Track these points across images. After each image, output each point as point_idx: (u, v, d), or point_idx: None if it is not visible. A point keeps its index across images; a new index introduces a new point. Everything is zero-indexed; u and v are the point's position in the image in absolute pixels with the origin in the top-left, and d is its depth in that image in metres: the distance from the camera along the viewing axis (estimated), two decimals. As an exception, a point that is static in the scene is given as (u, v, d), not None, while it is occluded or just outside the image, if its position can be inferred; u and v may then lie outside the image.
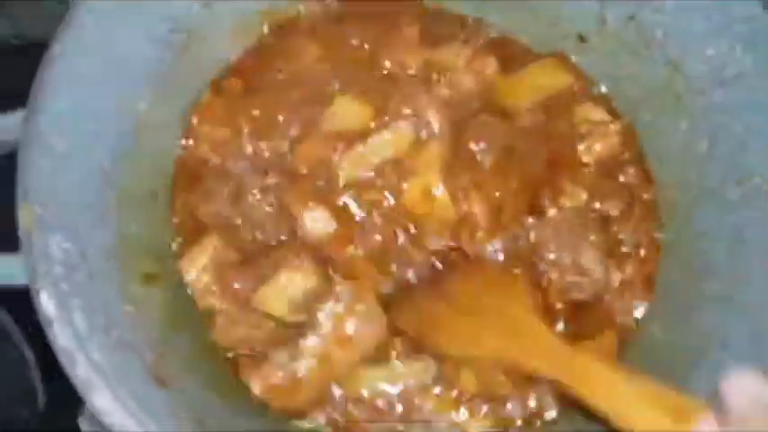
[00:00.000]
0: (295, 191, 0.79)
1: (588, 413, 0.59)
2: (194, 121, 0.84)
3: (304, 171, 0.81)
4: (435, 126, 0.81)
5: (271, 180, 0.80)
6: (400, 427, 0.73)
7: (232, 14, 0.85)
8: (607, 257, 0.77)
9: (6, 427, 0.82)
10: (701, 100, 0.77)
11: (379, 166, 0.79)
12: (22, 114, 0.68)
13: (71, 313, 0.60)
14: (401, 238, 0.78)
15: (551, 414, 0.73)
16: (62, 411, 0.80)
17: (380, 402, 0.73)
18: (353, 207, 0.79)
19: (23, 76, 0.69)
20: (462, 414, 0.73)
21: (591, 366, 0.60)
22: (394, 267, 0.78)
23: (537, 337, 0.65)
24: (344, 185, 0.79)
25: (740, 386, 0.49)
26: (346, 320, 0.72)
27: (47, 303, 0.59)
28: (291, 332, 0.73)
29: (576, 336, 0.74)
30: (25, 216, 0.63)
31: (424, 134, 0.80)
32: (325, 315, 0.72)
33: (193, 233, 0.80)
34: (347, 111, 0.82)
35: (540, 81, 0.88)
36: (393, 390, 0.74)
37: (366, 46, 0.89)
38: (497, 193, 0.79)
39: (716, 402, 0.50)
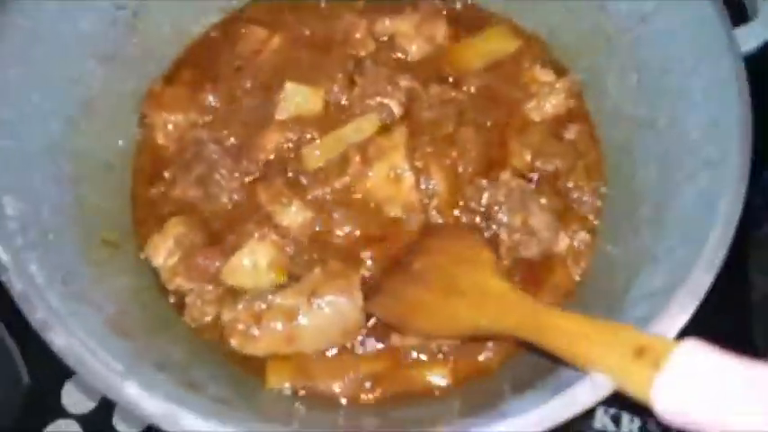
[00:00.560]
0: (267, 189, 0.79)
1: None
2: (147, 109, 0.85)
3: (270, 157, 0.82)
4: (396, 110, 0.83)
5: (234, 169, 0.81)
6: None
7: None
8: (557, 220, 0.78)
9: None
10: (627, 36, 0.81)
11: (344, 152, 0.80)
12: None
13: (27, 264, 0.61)
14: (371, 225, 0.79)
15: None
16: (46, 391, 0.86)
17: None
18: (323, 194, 0.79)
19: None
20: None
21: (560, 322, 0.59)
22: (366, 253, 0.78)
23: (506, 300, 0.66)
24: (312, 173, 0.80)
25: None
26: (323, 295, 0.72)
27: (1, 254, 0.60)
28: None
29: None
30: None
31: (386, 118, 0.82)
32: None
33: (155, 220, 0.80)
34: (297, 96, 0.84)
35: (491, 46, 0.90)
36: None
37: (315, 29, 0.91)
38: (453, 160, 0.81)
39: None
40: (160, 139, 0.85)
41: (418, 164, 0.80)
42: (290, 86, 0.84)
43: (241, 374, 0.71)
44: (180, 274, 0.76)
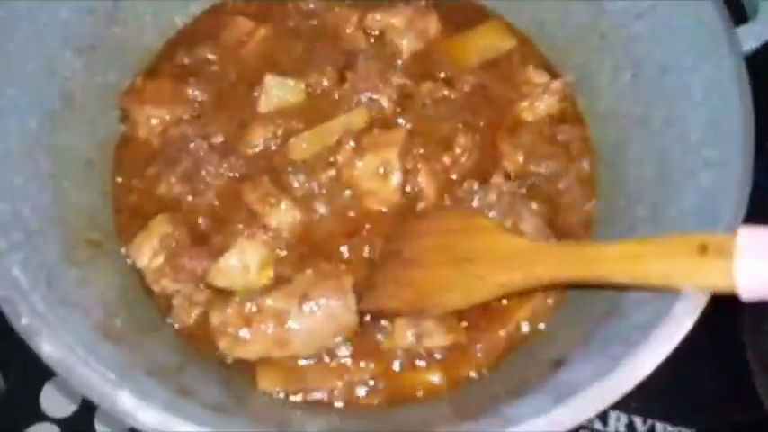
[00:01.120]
0: (255, 189, 0.77)
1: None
2: (129, 104, 0.82)
3: (257, 151, 0.80)
4: (387, 106, 0.82)
5: (221, 165, 0.79)
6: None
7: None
8: (548, 227, 0.77)
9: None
10: (622, 33, 0.80)
11: (338, 140, 0.78)
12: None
13: (10, 267, 0.58)
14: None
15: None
16: (23, 394, 0.85)
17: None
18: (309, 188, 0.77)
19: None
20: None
21: (610, 251, 0.60)
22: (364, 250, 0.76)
23: (530, 252, 0.65)
24: (298, 166, 0.78)
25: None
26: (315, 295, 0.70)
27: (-19, 257, 0.57)
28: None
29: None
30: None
31: (376, 114, 0.81)
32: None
33: (139, 218, 0.77)
34: (278, 88, 0.82)
35: (485, 43, 0.89)
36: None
37: (303, 22, 0.89)
38: (444, 167, 0.80)
39: None
40: (143, 135, 0.82)
41: (408, 166, 0.78)
42: (269, 79, 0.82)
43: (233, 378, 0.69)
44: (166, 276, 0.73)
